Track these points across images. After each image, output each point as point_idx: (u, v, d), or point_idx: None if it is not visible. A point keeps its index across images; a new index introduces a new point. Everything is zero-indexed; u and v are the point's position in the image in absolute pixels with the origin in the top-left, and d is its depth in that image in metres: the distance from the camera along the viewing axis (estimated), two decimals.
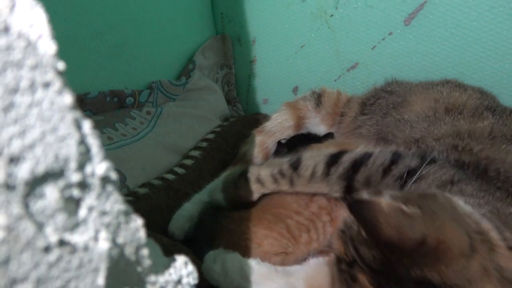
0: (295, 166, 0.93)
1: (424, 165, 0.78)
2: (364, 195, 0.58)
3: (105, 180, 0.26)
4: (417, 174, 0.76)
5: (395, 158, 0.84)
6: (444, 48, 1.31)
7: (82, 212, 0.25)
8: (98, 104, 1.20)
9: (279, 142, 1.29)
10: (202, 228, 0.99)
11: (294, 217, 0.90)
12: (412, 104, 1.10)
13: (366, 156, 0.87)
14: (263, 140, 1.29)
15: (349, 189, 0.85)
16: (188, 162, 1.23)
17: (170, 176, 1.15)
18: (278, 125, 1.31)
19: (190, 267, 0.36)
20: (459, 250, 0.52)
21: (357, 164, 0.86)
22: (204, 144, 1.32)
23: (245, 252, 0.83)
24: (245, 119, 1.55)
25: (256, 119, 1.53)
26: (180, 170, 1.19)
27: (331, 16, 1.45)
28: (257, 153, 1.27)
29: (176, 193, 1.10)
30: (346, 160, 0.88)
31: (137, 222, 0.30)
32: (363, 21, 1.40)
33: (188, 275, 0.36)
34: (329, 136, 1.26)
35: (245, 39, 1.64)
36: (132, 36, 1.31)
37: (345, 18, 1.43)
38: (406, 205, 0.55)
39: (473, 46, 1.27)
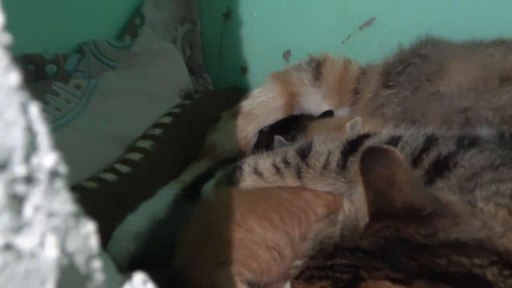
0: (304, 153, 1.00)
1: (460, 150, 0.87)
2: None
3: (53, 174, 0.32)
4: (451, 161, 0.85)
5: (429, 144, 0.92)
6: None
7: (27, 212, 0.31)
8: None
9: (261, 132, 1.35)
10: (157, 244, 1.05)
11: (286, 205, 0.98)
12: (451, 72, 1.17)
13: (394, 142, 0.94)
14: (241, 126, 1.34)
15: None
16: (135, 156, 1.27)
17: (109, 176, 1.19)
18: (262, 105, 1.37)
19: (150, 286, 0.42)
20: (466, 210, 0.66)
21: None
22: (158, 131, 1.36)
23: (226, 237, 0.91)
24: (215, 96, 1.60)
25: (230, 96, 1.56)
26: (123, 168, 1.23)
27: None
28: (231, 145, 1.32)
29: (118, 200, 1.15)
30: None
31: (88, 227, 0.36)
32: None
33: None
34: (327, 115, 1.32)
35: None
36: None
37: None
38: None
39: None
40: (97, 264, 0.37)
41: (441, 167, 0.87)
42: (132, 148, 1.31)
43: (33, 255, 0.31)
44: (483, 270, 0.61)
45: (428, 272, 0.62)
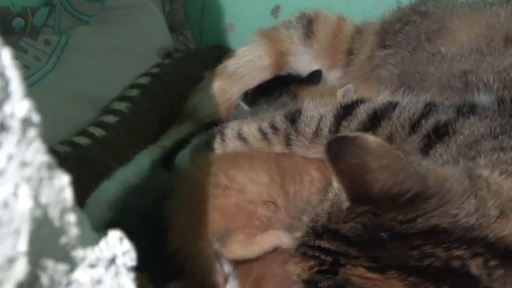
0: (293, 118, 1.02)
1: (460, 118, 0.91)
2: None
3: (26, 123, 0.34)
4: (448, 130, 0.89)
5: (428, 111, 0.95)
6: None
7: (0, 161, 0.33)
8: None
9: (246, 94, 1.36)
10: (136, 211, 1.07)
11: (275, 162, 1.01)
12: (453, 31, 1.18)
13: (391, 107, 0.97)
14: (225, 88, 1.36)
15: None
16: (110, 119, 1.29)
17: (82, 140, 1.20)
18: (248, 65, 1.38)
19: (127, 245, 0.45)
20: (461, 188, 0.68)
21: (378, 117, 0.96)
22: (134, 92, 1.37)
23: (219, 208, 0.94)
24: (197, 56, 1.61)
25: (214, 56, 1.57)
26: (98, 132, 1.24)
27: None
28: (214, 108, 1.34)
29: (92, 165, 1.17)
30: (363, 111, 0.98)
31: (63, 179, 0.38)
32: None
33: (124, 254, 0.44)
34: (315, 75, 1.33)
35: None
36: None
37: None
38: None
39: None
40: (71, 218, 0.39)
41: (440, 133, 0.90)
42: (107, 110, 1.32)
43: (6, 204, 0.33)
44: (463, 262, 0.64)
45: (401, 263, 0.65)
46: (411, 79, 1.17)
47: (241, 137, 1.06)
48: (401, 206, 0.67)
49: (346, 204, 0.71)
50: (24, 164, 0.35)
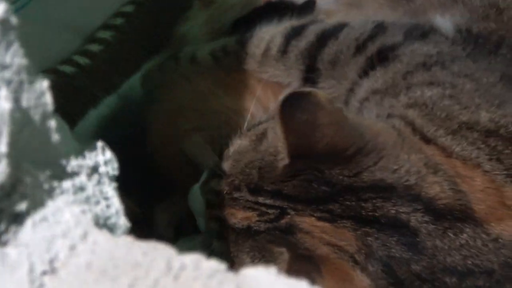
0: (244, 40, 1.04)
1: (406, 42, 0.92)
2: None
3: (4, 24, 0.34)
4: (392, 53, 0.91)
5: (376, 32, 0.96)
6: None
7: None
8: None
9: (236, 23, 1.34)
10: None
11: (246, 81, 1.04)
12: None
13: (339, 28, 0.99)
14: (215, 15, 1.33)
15: (310, 74, 0.98)
16: (95, 48, 1.28)
17: (67, 69, 1.20)
18: None
19: (108, 154, 0.46)
20: (393, 142, 0.72)
21: (326, 37, 0.98)
22: (119, 21, 1.35)
23: (197, 106, 1.00)
24: None
25: None
26: (82, 60, 1.24)
27: None
28: (203, 37, 1.31)
29: (77, 94, 1.17)
30: (312, 31, 1.00)
31: (43, 84, 0.38)
32: None
33: (106, 163, 0.45)
34: (309, 5, 1.32)
35: None
36: None
37: None
38: None
39: None
40: (52, 123, 0.40)
41: (383, 57, 0.92)
42: (91, 39, 1.31)
43: None
44: (408, 216, 0.69)
45: (354, 214, 0.69)
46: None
47: (194, 61, 1.08)
48: (344, 162, 0.70)
49: (284, 161, 0.73)
50: (3, 67, 0.35)
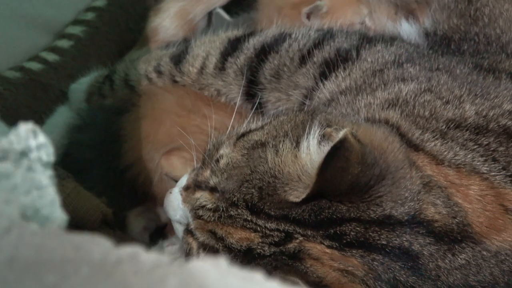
0: (178, 59, 1.03)
1: (365, 44, 0.93)
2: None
3: None
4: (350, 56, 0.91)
5: (321, 40, 0.95)
6: None
7: None
8: None
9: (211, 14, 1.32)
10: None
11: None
12: None
13: (281, 39, 0.97)
14: (186, 8, 1.30)
15: (252, 88, 0.97)
16: (64, 44, 1.25)
17: (35, 66, 1.18)
18: None
19: (42, 139, 0.41)
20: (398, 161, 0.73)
21: (266, 51, 0.97)
22: (90, 15, 1.33)
23: (180, 123, 0.95)
24: None
25: None
26: (51, 57, 1.21)
27: None
28: (175, 29, 1.30)
29: (45, 91, 1.15)
30: (251, 46, 0.98)
31: None
32: None
33: (38, 148, 0.41)
34: None
35: None
36: None
37: None
38: None
39: None
40: None
41: (341, 60, 0.91)
42: (61, 35, 1.29)
43: None
44: (410, 242, 0.69)
45: (361, 243, 0.69)
46: None
47: (128, 84, 1.06)
48: (360, 195, 0.69)
49: (296, 194, 0.70)
50: None
